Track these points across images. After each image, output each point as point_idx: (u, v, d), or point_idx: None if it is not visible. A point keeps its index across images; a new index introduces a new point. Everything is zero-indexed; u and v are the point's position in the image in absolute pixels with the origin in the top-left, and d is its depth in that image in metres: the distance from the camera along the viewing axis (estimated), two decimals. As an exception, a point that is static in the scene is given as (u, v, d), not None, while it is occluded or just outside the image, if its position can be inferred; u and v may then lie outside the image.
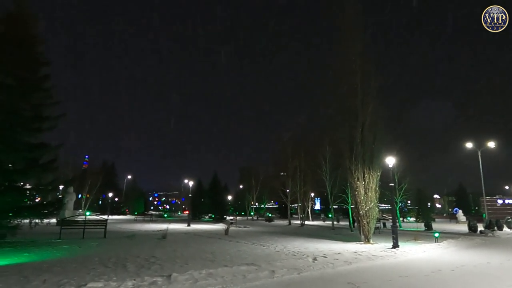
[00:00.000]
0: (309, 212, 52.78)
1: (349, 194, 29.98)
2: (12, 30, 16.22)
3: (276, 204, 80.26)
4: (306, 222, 42.36)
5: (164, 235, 20.13)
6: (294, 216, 58.24)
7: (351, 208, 28.79)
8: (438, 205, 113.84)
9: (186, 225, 34.57)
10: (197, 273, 8.77)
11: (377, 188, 18.75)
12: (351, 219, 31.74)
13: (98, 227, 21.00)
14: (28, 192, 18.03)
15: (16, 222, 16.45)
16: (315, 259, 11.74)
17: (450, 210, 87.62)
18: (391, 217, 35.23)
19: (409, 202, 64.88)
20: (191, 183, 41.31)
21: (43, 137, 17.59)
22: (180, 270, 9.26)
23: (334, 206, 37.16)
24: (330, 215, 49.09)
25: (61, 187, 35.57)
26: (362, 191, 18.60)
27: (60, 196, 40.16)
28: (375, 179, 18.63)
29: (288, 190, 43.47)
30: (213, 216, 55.19)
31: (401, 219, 46.80)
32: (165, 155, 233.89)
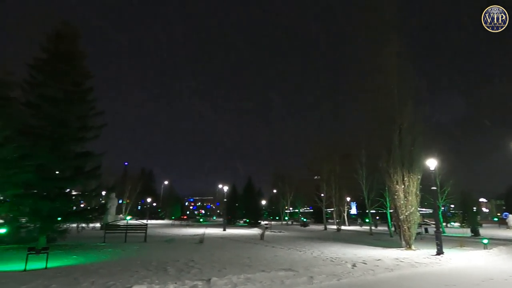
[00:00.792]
0: (345, 217, 51.58)
1: (387, 198, 28.98)
2: (60, 48, 17.47)
3: (310, 209, 79.24)
4: (342, 227, 41.44)
5: (201, 239, 20.52)
6: (330, 221, 57.15)
7: (390, 212, 27.81)
8: (485, 209, 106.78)
9: (221, 229, 35.02)
10: (236, 278, 8.85)
11: (417, 192, 18.00)
12: (390, 224, 30.64)
13: (138, 231, 21.82)
14: (74, 198, 19.16)
15: (65, 226, 17.57)
16: (354, 265, 11.45)
17: (498, 214, 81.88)
18: (433, 222, 33.55)
19: (452, 206, 61.41)
20: (225, 188, 41.84)
21: (87, 146, 18.71)
22: (218, 275, 9.40)
23: (372, 211, 36.01)
24: (367, 220, 47.63)
25: (103, 192, 37.37)
26: (402, 195, 17.93)
27: (103, 202, 42.18)
28: (415, 183, 17.90)
29: (322, 195, 42.79)
30: (247, 220, 55.47)
31: (444, 224, 44.39)
32: (200, 161, 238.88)
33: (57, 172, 17.61)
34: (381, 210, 35.51)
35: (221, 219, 75.92)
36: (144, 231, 21.25)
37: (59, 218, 16.95)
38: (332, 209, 47.07)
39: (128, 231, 20.87)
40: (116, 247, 17.09)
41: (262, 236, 23.50)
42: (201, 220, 72.57)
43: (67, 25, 18.15)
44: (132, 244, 18.34)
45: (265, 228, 29.96)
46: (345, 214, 50.75)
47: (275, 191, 74.46)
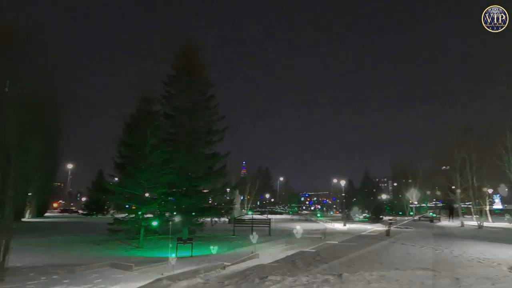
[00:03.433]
0: (488, 212, 44.11)
1: (547, 189, 23.68)
2: (186, 63, 19.83)
3: (440, 203, 70.65)
4: (485, 224, 35.59)
5: (323, 234, 20.51)
6: (465, 216, 49.79)
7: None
8: None
9: (341, 225, 34.30)
10: (368, 275, 8.52)
11: None
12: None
13: (262, 225, 23.13)
14: (205, 195, 21.53)
15: (201, 220, 19.91)
16: (511, 268, 9.71)
17: None
18: None
19: None
20: (342, 183, 40.82)
21: (214, 148, 20.75)
22: (349, 270, 9.20)
23: (525, 204, 29.92)
24: (517, 216, 39.83)
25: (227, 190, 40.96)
26: None
27: (229, 198, 46.30)
28: None
29: (453, 187, 37.57)
30: (367, 216, 52.97)
31: None
32: (314, 155, 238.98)
33: (189, 173, 20.05)
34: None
35: (338, 215, 74.50)
36: (268, 225, 22.40)
37: (194, 213, 19.31)
38: (469, 203, 40.98)
39: (253, 225, 22.34)
40: (245, 239, 18.45)
41: (388, 232, 22.07)
42: (318, 215, 72.59)
43: (190, 41, 20.50)
44: (258, 237, 19.52)
45: (390, 223, 27.97)
46: (487, 209, 43.42)
47: (395, 184, 69.15)
